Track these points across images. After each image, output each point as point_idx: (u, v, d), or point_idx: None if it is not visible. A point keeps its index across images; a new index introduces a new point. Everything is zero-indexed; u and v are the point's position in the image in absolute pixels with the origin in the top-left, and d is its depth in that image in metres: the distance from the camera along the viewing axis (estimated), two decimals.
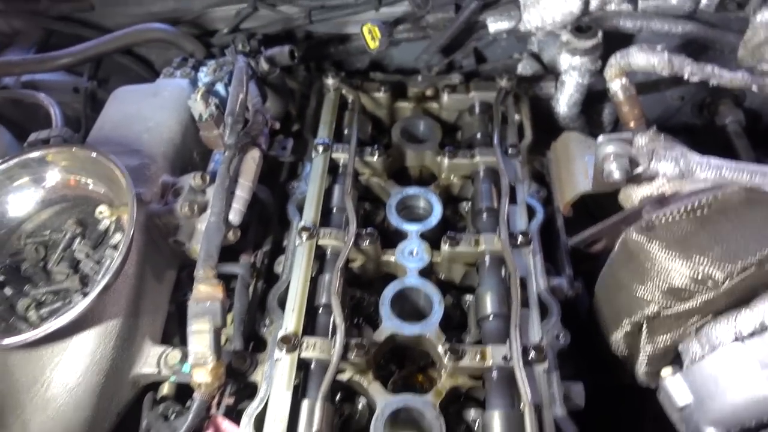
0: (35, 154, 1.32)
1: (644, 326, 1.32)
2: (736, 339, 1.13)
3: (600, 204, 1.72)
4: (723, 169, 1.22)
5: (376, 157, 1.68)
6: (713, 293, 1.17)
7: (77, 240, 1.32)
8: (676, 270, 1.21)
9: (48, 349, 1.21)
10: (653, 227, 1.28)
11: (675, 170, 1.25)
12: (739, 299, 1.18)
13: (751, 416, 1.09)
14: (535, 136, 1.80)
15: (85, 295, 1.20)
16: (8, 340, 1.13)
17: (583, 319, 1.58)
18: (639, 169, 1.29)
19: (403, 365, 1.50)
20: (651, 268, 1.26)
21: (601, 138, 1.32)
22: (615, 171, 1.29)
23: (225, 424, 1.29)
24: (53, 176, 1.35)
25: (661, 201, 1.38)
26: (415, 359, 1.50)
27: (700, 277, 1.17)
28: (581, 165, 1.51)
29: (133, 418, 1.38)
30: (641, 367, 1.42)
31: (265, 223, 1.71)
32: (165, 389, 1.39)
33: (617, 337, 1.41)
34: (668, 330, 1.30)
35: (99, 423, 1.26)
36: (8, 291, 1.29)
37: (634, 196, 1.51)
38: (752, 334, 1.12)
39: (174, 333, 1.51)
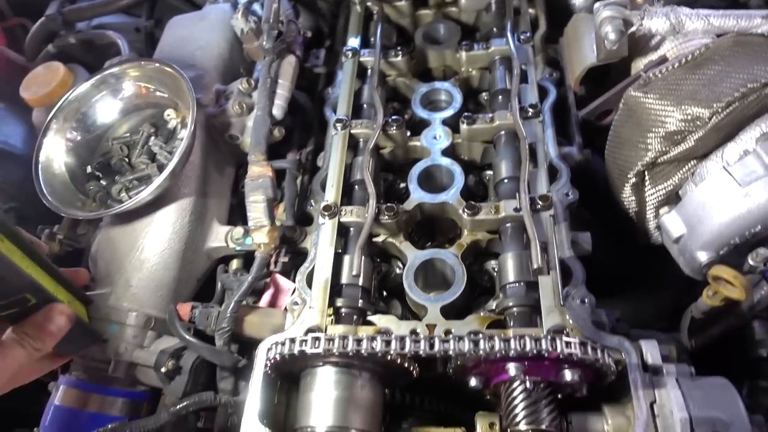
0: (113, 70, 1.60)
1: (646, 175, 1.45)
2: (723, 169, 1.25)
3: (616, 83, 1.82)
4: (711, 18, 1.31)
5: (400, 58, 1.85)
6: (702, 131, 1.29)
7: (152, 138, 1.60)
8: (669, 115, 1.33)
9: (140, 222, 1.51)
10: (649, 82, 1.39)
11: (666, 25, 1.35)
12: (727, 135, 1.29)
13: (734, 234, 1.22)
14: (552, 30, 1.90)
15: None
16: (107, 211, 1.43)
17: (602, 189, 1.71)
18: (632, 29, 1.39)
19: (434, 240, 1.72)
20: (647, 119, 1.38)
21: (597, 4, 1.43)
22: (611, 33, 1.40)
23: (282, 279, 1.56)
24: (128, 87, 1.63)
25: (662, 62, 1.48)
26: (445, 232, 1.70)
27: (690, 118, 1.29)
28: (589, 41, 1.61)
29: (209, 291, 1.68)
30: (651, 221, 1.55)
31: (308, 128, 1.94)
32: (234, 264, 1.68)
33: (626, 193, 1.53)
34: (668, 177, 1.42)
35: (183, 284, 1.56)
36: (103, 182, 1.60)
37: (641, 65, 1.61)
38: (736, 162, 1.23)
39: (237, 222, 1.79)
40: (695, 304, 1.45)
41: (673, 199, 1.45)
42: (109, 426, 1.34)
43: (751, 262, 1.28)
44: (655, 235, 1.58)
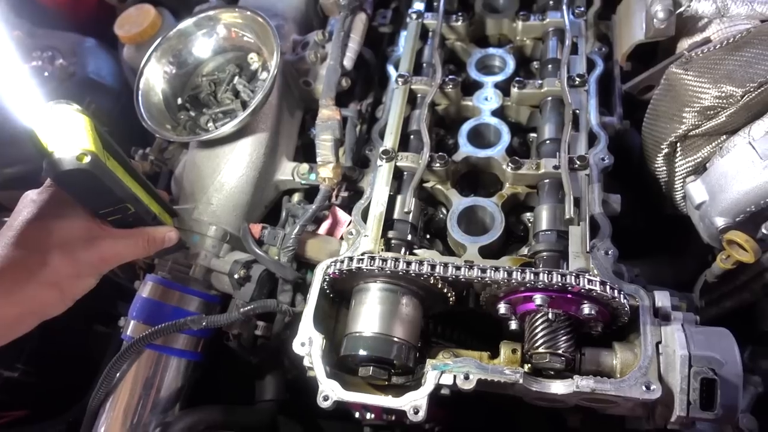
0: (210, 12, 1.81)
1: (678, 147, 1.59)
2: (748, 143, 1.39)
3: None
4: (754, 4, 1.42)
5: (460, 23, 2.00)
6: (734, 108, 1.42)
7: (236, 77, 1.81)
8: (705, 92, 1.46)
9: (222, 149, 1.73)
10: (690, 60, 1.52)
11: (712, 8, 1.47)
12: (757, 113, 1.42)
13: (751, 202, 1.36)
14: (605, 7, 2.02)
15: None
16: (197, 136, 1.65)
17: (636, 162, 1.85)
18: (681, 9, 1.51)
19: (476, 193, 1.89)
20: (685, 94, 1.51)
21: None
22: (660, 11, 1.52)
23: (340, 212, 1.77)
24: (221, 30, 1.83)
25: (705, 43, 1.60)
26: (487, 186, 1.88)
27: (723, 95, 1.42)
28: (639, 19, 1.73)
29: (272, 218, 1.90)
30: (678, 191, 1.69)
31: (369, 82, 2.12)
32: (296, 197, 1.89)
33: (659, 163, 1.67)
34: (698, 149, 1.56)
35: (254, 207, 1.78)
36: (192, 113, 1.82)
37: (686, 44, 1.73)
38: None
39: (302, 161, 1.99)
40: (710, 268, 1.60)
41: (700, 170, 1.58)
42: (188, 318, 1.58)
43: (764, 230, 1.42)
44: (681, 205, 1.72)
